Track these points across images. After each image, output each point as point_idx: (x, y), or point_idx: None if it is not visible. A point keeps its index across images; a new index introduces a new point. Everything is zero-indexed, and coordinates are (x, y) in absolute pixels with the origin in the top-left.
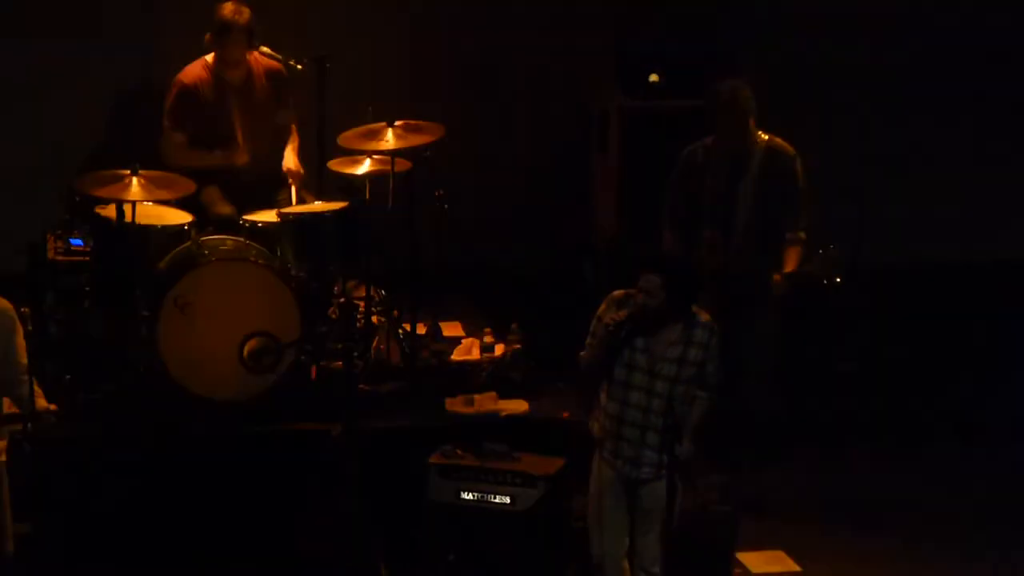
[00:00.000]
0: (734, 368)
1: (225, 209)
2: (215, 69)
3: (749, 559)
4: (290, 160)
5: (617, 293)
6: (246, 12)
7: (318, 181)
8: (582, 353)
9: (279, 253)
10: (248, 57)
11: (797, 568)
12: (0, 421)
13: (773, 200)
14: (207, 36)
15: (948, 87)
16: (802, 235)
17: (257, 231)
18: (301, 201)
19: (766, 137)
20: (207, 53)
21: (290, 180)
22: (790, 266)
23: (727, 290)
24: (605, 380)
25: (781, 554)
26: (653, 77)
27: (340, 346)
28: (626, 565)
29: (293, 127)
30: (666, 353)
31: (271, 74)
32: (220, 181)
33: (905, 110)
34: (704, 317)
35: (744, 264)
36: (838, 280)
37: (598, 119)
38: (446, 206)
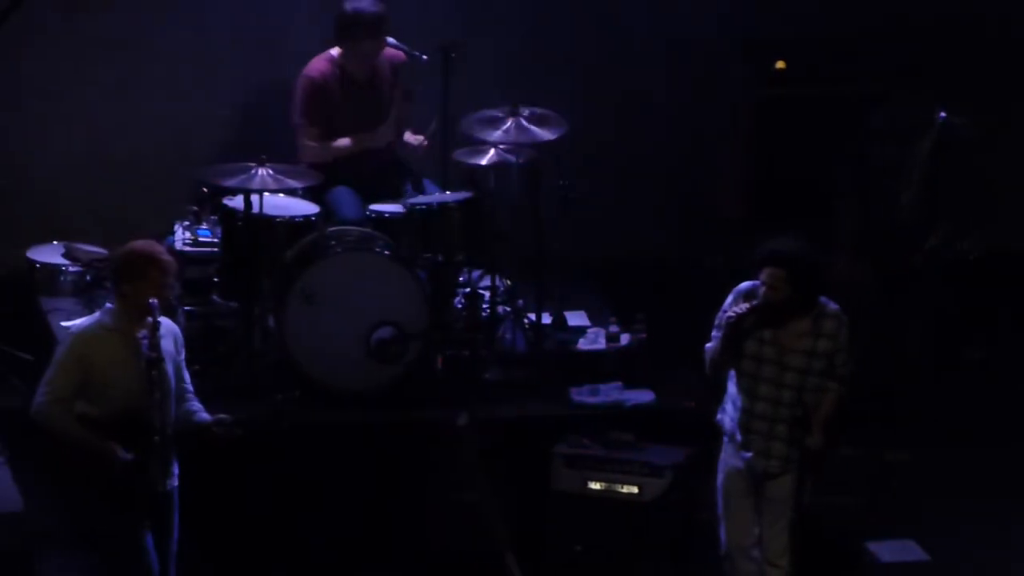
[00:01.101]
0: (881, 346)
1: (351, 212)
2: (340, 63)
3: (879, 548)
4: (409, 136)
5: (743, 286)
6: (378, 7)
7: (443, 171)
8: (707, 345)
9: (405, 243)
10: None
11: (927, 557)
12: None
13: (940, 173)
14: (336, 30)
15: None
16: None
17: (383, 222)
18: (420, 184)
19: (943, 113)
20: (333, 47)
21: (411, 147)
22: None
23: (890, 264)
24: (734, 372)
25: (910, 543)
26: (779, 64)
27: (465, 336)
28: (756, 556)
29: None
30: (795, 345)
31: (395, 66)
32: (347, 178)
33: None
34: (833, 307)
35: (910, 239)
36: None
37: (729, 107)
38: (571, 195)
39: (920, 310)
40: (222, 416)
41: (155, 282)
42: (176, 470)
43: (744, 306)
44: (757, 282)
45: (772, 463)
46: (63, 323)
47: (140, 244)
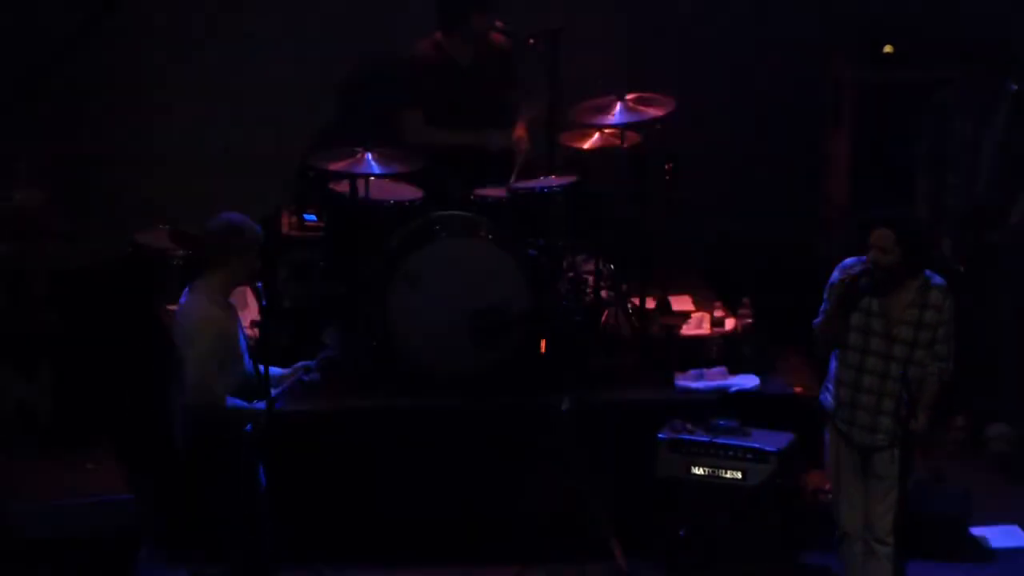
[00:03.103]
0: (976, 317)
1: (456, 191)
2: (444, 46)
3: (984, 533)
4: (520, 129)
5: (848, 261)
6: None
7: (548, 155)
8: (815, 321)
9: (509, 228)
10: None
11: None
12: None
13: (1018, 148)
14: (442, 10)
15: None
16: None
17: (487, 206)
18: (523, 173)
19: (1015, 86)
20: (438, 30)
21: (517, 148)
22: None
23: (969, 235)
24: (840, 347)
25: (1016, 528)
26: (887, 48)
27: (569, 320)
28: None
29: (523, 103)
30: (903, 316)
31: (499, 50)
32: (451, 160)
33: None
34: (939, 280)
35: (985, 211)
36: None
37: (832, 90)
38: (676, 179)
39: (1009, 288)
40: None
41: (256, 252)
42: None
43: (857, 268)
44: (862, 258)
45: (879, 437)
46: (169, 307)
47: (238, 217)
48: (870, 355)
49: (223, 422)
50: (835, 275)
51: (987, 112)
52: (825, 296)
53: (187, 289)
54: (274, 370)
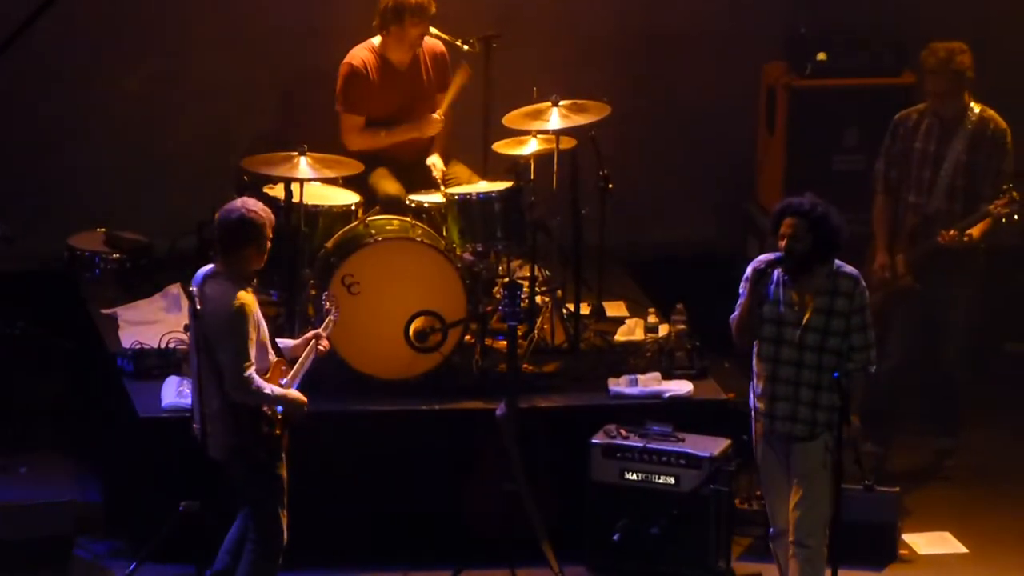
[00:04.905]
0: (930, 331)
1: (392, 188)
2: (381, 52)
3: (915, 540)
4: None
5: (762, 256)
6: None
7: (483, 161)
8: (732, 316)
9: (445, 233)
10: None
11: (964, 549)
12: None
13: (978, 170)
14: (377, 19)
15: None
16: (1001, 208)
17: (423, 211)
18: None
19: (979, 108)
20: (374, 36)
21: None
22: (976, 232)
23: (924, 252)
24: (757, 346)
25: (947, 535)
26: (821, 56)
27: (504, 326)
28: None
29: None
30: (813, 305)
31: (435, 56)
32: (388, 163)
33: None
34: (849, 268)
35: (942, 228)
36: None
37: (765, 97)
38: (611, 185)
39: (961, 301)
40: None
41: (268, 239)
42: None
43: (767, 257)
44: (775, 254)
45: (798, 427)
46: (104, 310)
47: (253, 203)
48: (784, 345)
49: (262, 415)
50: (748, 270)
51: (951, 129)
52: (740, 291)
53: (201, 280)
54: (283, 342)
